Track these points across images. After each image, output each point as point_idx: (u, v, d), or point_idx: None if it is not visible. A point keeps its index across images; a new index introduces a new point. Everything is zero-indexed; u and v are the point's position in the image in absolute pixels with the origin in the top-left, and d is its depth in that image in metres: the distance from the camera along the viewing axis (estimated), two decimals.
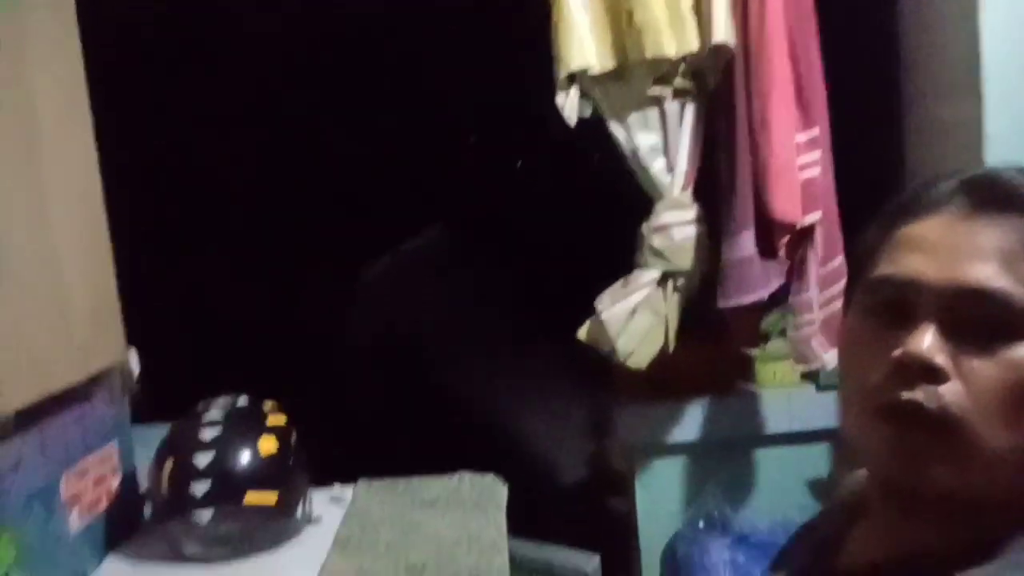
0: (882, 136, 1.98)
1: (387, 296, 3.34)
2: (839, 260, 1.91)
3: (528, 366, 2.91)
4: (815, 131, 1.82)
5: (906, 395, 0.64)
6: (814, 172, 1.82)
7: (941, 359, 0.64)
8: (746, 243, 1.82)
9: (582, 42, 1.80)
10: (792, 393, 2.33)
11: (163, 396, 1.74)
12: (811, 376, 2.31)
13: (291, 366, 2.73)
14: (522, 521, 1.76)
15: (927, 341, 0.64)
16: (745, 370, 2.38)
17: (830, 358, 1.92)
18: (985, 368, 0.63)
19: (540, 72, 1.85)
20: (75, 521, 1.47)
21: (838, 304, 1.92)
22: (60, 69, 1.52)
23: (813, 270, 1.86)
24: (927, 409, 0.63)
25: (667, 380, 2.24)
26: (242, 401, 1.59)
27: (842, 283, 1.90)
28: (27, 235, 1.38)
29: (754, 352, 2.38)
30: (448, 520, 1.66)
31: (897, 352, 0.65)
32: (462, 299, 3.22)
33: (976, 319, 0.64)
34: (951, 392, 0.63)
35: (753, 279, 1.83)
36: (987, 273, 0.64)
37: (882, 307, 0.69)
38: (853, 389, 0.69)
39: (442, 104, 3.26)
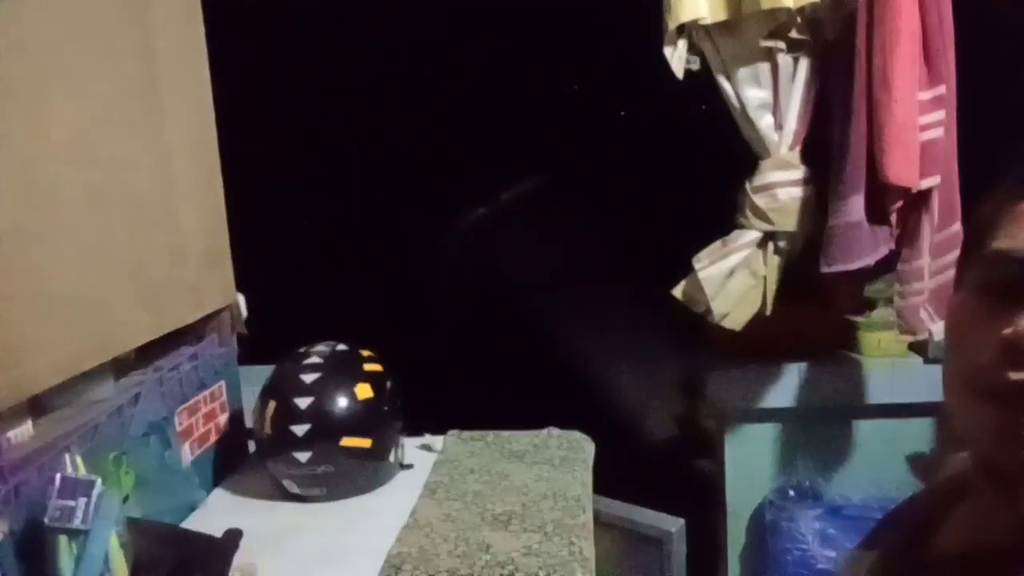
0: (1013, 96, 1.84)
1: (484, 245, 3.36)
2: (956, 227, 1.80)
3: (622, 321, 2.89)
4: (941, 89, 1.71)
5: (1015, 376, 0.61)
6: (936, 133, 1.71)
7: None
8: (855, 207, 1.73)
9: None
10: (896, 364, 2.24)
11: (268, 339, 1.81)
12: (919, 348, 2.21)
13: (389, 316, 2.80)
14: (608, 479, 1.76)
15: None
16: (847, 337, 2.30)
17: (938, 329, 1.83)
18: None
19: (649, 20, 1.80)
20: (187, 454, 1.55)
21: (951, 273, 1.82)
22: (179, 16, 1.56)
23: (927, 237, 1.77)
24: None
25: (763, 343, 2.18)
26: (341, 347, 1.63)
27: (957, 251, 1.82)
28: (149, 180, 1.44)
29: (858, 319, 2.29)
30: (535, 473, 1.67)
31: (1008, 331, 0.62)
32: (558, 250, 3.21)
33: None
34: None
35: (860, 245, 1.75)
36: None
37: (995, 283, 0.65)
38: (959, 367, 0.67)
39: (545, 52, 3.21)
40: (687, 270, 1.99)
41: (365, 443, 1.55)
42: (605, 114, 3.40)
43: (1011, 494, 0.65)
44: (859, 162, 1.72)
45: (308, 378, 1.55)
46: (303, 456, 1.51)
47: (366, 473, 1.59)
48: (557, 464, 1.71)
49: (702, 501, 2.36)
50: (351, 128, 3.25)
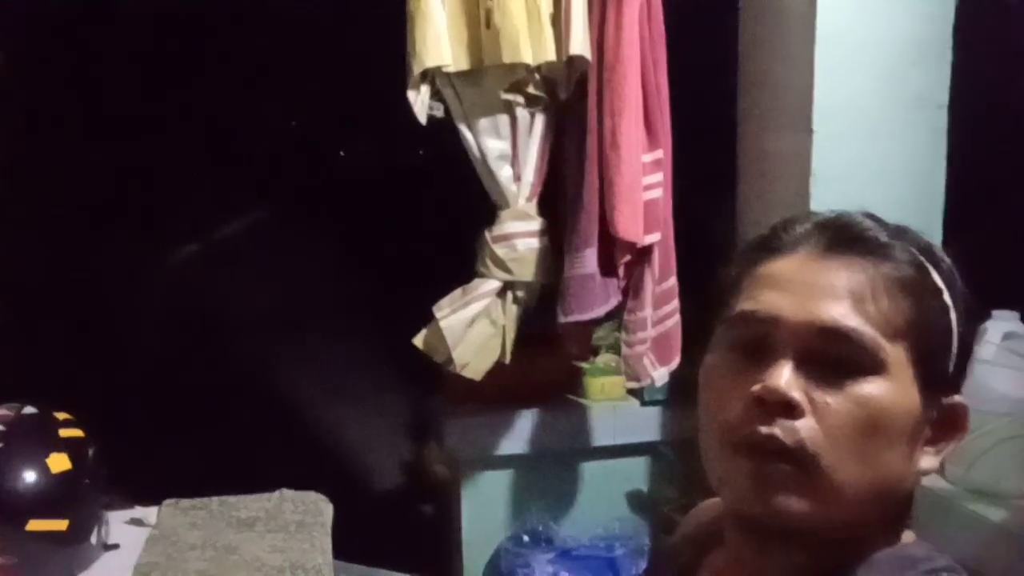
0: (717, 163, 2.05)
1: (199, 286, 3.09)
2: (672, 280, 1.95)
3: (352, 368, 2.79)
4: (659, 153, 1.85)
5: (764, 430, 0.66)
6: (656, 193, 1.85)
7: (797, 394, 0.65)
8: (589, 260, 1.82)
9: (438, 39, 1.72)
10: (617, 407, 2.37)
11: None
12: (636, 391, 2.36)
13: (89, 370, 2.45)
14: (344, 539, 1.65)
15: (784, 376, 0.66)
16: (574, 383, 2.40)
17: (660, 376, 1.96)
18: (837, 404, 0.66)
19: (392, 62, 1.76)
20: None
21: (669, 323, 1.97)
22: None
23: (649, 289, 1.89)
24: (784, 444, 0.65)
25: (496, 390, 2.20)
26: (29, 411, 1.37)
27: (674, 303, 1.97)
28: None
29: (583, 365, 2.40)
30: (268, 543, 1.52)
31: (756, 387, 0.66)
32: (282, 292, 3.04)
33: (829, 356, 0.66)
34: (807, 427, 0.65)
35: (594, 296, 1.83)
36: (840, 312, 0.67)
37: (741, 343, 0.70)
38: (713, 423, 0.70)
39: (271, 87, 3.06)
40: (423, 314, 1.96)
41: (60, 525, 1.31)
42: (336, 151, 3.31)
43: (763, 542, 0.70)
44: (592, 216, 1.80)
45: None
46: None
47: (60, 560, 1.33)
48: (293, 531, 1.57)
49: (440, 551, 2.31)
50: (36, 156, 2.84)
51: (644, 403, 2.37)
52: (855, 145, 1.74)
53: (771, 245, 0.73)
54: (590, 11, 1.78)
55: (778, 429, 0.65)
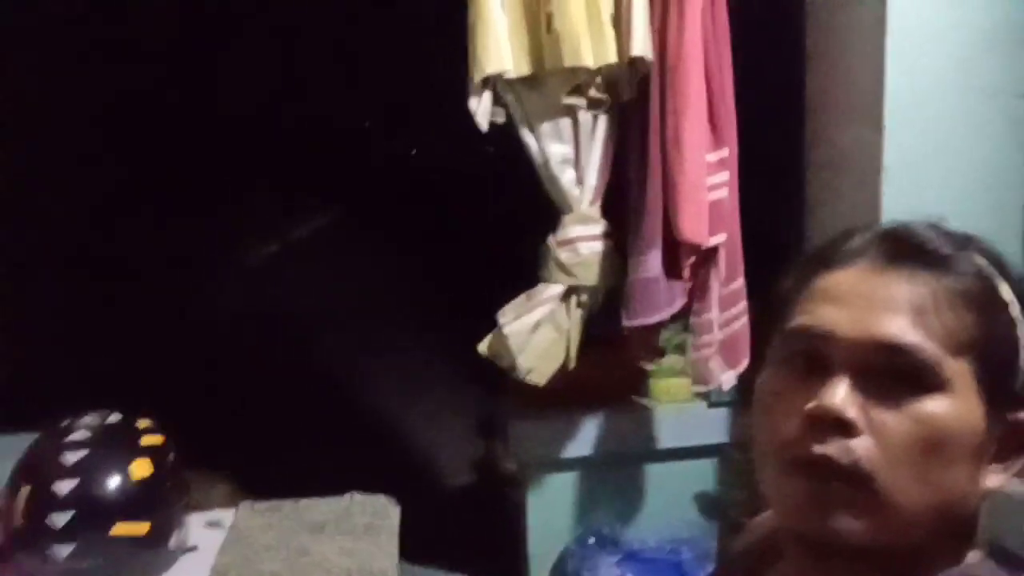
0: (784, 161, 2.00)
1: (271, 287, 3.16)
2: (739, 282, 1.92)
3: (420, 371, 2.82)
4: (724, 152, 1.82)
5: (818, 449, 0.64)
6: (722, 193, 1.82)
7: (853, 413, 0.64)
8: (653, 263, 1.80)
9: (499, 45, 1.72)
10: (683, 409, 2.35)
11: (24, 402, 1.56)
12: (703, 393, 2.33)
13: (166, 372, 2.53)
14: (411, 540, 1.68)
15: (840, 395, 0.64)
16: (640, 385, 2.38)
17: (727, 379, 1.93)
18: (896, 422, 0.64)
19: (455, 67, 1.78)
20: None
21: (737, 325, 1.94)
22: None
23: (715, 291, 1.87)
24: (839, 463, 0.64)
25: (562, 392, 2.20)
26: (113, 419, 1.43)
27: (742, 304, 1.94)
28: None
29: (649, 367, 2.38)
30: (337, 546, 1.55)
31: (811, 405, 0.65)
32: (354, 294, 3.08)
33: (888, 372, 0.65)
34: (863, 446, 0.64)
35: (659, 299, 1.81)
36: (899, 327, 0.65)
37: (797, 358, 0.69)
38: (767, 440, 0.69)
39: (341, 90, 3.11)
40: (490, 318, 1.97)
41: (142, 528, 1.36)
42: (410, 156, 3.35)
43: (822, 561, 0.68)
44: (655, 219, 1.79)
45: (71, 457, 1.34)
46: (63, 551, 1.29)
47: (142, 563, 1.39)
48: (361, 534, 1.60)
49: (506, 554, 2.33)
50: (106, 155, 2.93)
51: (711, 405, 2.33)
52: (928, 139, 1.69)
53: (829, 257, 0.72)
54: (651, 11, 1.76)
55: (832, 448, 0.64)
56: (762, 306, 1.94)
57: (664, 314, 1.84)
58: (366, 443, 2.61)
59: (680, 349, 2.32)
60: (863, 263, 0.69)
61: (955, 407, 0.64)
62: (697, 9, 1.72)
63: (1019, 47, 1.69)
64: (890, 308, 0.65)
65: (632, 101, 1.87)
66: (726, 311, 1.90)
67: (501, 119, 1.81)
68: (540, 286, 1.95)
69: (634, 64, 1.80)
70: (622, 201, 1.94)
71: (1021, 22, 1.69)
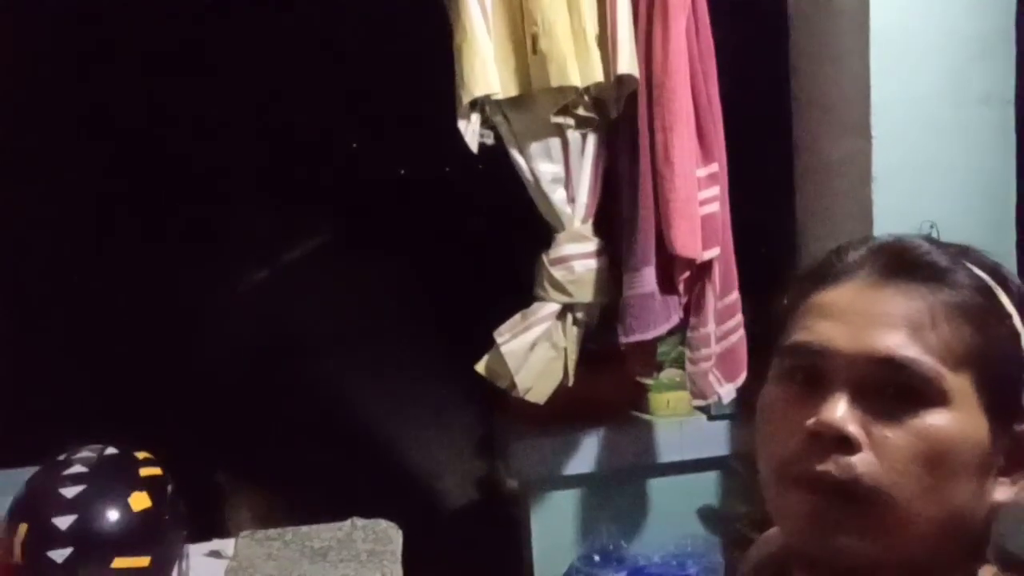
0: (773, 173, 2.01)
1: (267, 309, 3.16)
2: (734, 295, 1.93)
3: (419, 391, 2.82)
4: (714, 167, 1.83)
5: (820, 467, 0.64)
6: (713, 208, 1.83)
7: (853, 429, 0.64)
8: (648, 278, 1.80)
9: (486, 67, 1.74)
10: (684, 422, 2.34)
11: (22, 436, 1.56)
12: (703, 406, 2.33)
13: (164, 405, 2.53)
14: (415, 563, 1.67)
15: (840, 410, 0.64)
16: (639, 399, 2.38)
17: (726, 392, 1.94)
18: (896, 437, 0.64)
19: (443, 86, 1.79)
20: None
21: (734, 338, 1.94)
22: None
23: (711, 305, 1.87)
24: (840, 480, 0.64)
25: (562, 410, 2.20)
26: (110, 451, 1.42)
27: (738, 317, 1.94)
28: None
29: (648, 382, 2.38)
30: (341, 573, 1.55)
31: (811, 422, 0.65)
32: (348, 314, 3.08)
33: (887, 387, 0.65)
34: (864, 462, 0.64)
35: (655, 314, 1.82)
36: (896, 341, 0.65)
37: (796, 374, 0.69)
38: (769, 457, 0.69)
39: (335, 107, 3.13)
40: (487, 338, 1.98)
41: (142, 562, 1.36)
42: (403, 175, 3.37)
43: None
44: (649, 235, 1.79)
45: (70, 491, 1.33)
46: None
47: None
48: (364, 560, 1.60)
49: (511, 574, 2.32)
50: (94, 182, 2.93)
51: (711, 417, 2.33)
52: (916, 147, 1.70)
53: (825, 273, 0.71)
54: (636, 28, 1.78)
55: (832, 465, 0.63)
56: (757, 318, 1.95)
57: (660, 329, 1.84)
58: (366, 467, 2.61)
59: (678, 362, 2.31)
60: (859, 278, 0.69)
61: (957, 421, 0.64)
62: (682, 25, 1.73)
63: (1004, 54, 1.71)
64: (887, 323, 0.65)
65: (620, 119, 1.88)
66: (722, 324, 1.91)
67: (490, 140, 1.82)
68: (535, 304, 1.95)
69: (621, 82, 1.81)
70: (614, 218, 1.95)
71: (1005, 29, 1.70)
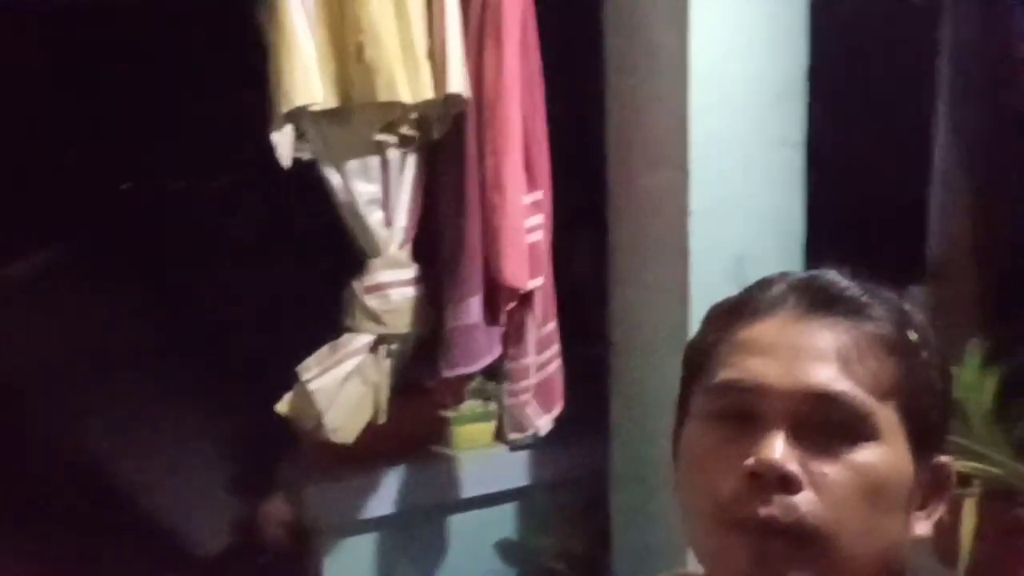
0: (587, 203, 2.02)
1: None
2: (553, 324, 1.90)
3: (180, 432, 2.48)
4: (539, 194, 1.80)
5: (763, 511, 0.63)
6: (538, 236, 1.79)
7: (793, 467, 0.63)
8: (474, 308, 1.72)
9: (308, 74, 1.56)
10: (485, 455, 2.28)
11: None
12: (504, 436, 2.29)
13: None
14: None
15: (778, 450, 0.63)
16: (440, 433, 2.28)
17: (544, 424, 1.90)
18: (834, 473, 0.63)
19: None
20: None
21: (551, 368, 1.91)
22: None
23: (532, 335, 1.82)
24: (784, 523, 0.63)
25: (358, 449, 2.03)
26: None
27: (555, 347, 1.91)
28: None
29: (450, 414, 2.28)
30: None
31: (749, 462, 0.64)
32: (82, 347, 2.65)
33: (822, 422, 0.64)
34: (806, 502, 0.63)
35: (480, 346, 1.74)
36: (828, 375, 0.64)
37: (727, 413, 0.67)
38: (702, 500, 0.67)
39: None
40: (280, 371, 1.78)
41: None
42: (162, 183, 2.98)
43: None
44: (475, 263, 1.71)
45: None
46: None
47: None
48: None
49: None
50: None
51: (513, 447, 2.29)
52: (728, 184, 1.78)
53: (746, 308, 0.70)
54: (466, 47, 1.69)
55: (776, 509, 0.62)
56: (567, 346, 1.94)
57: (485, 361, 1.76)
58: (125, 530, 2.23)
59: (479, 393, 2.25)
60: (783, 312, 0.68)
61: (888, 455, 0.64)
62: (515, 45, 1.68)
63: (798, 98, 1.84)
64: (818, 357, 0.65)
65: (444, 139, 1.78)
66: (541, 354, 1.87)
67: (308, 155, 1.64)
68: (346, 336, 1.79)
69: (448, 101, 1.71)
70: (433, 244, 1.84)
71: (800, 75, 1.83)
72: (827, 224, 1.88)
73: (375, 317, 1.76)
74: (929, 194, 1.95)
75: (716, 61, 1.73)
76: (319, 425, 1.75)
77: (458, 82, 1.66)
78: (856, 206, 1.94)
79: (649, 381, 1.87)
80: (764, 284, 0.72)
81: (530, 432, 1.90)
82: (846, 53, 1.84)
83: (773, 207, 1.85)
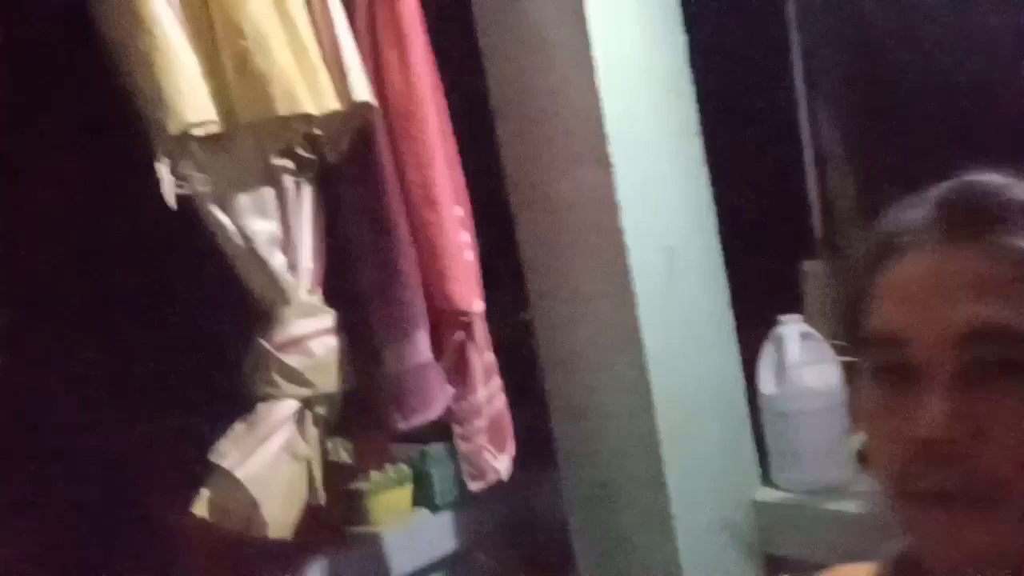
0: (495, 216, 1.84)
1: None
2: (491, 353, 1.69)
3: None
4: (460, 209, 1.60)
5: (937, 482, 0.60)
6: (471, 254, 1.59)
7: (957, 429, 0.59)
8: (423, 344, 1.48)
9: (195, 86, 1.26)
10: (409, 524, 2.00)
11: None
12: (423, 499, 2.03)
13: None
14: None
15: (938, 416, 0.59)
16: (353, 510, 1.96)
17: (504, 466, 1.67)
18: (1007, 414, 0.59)
19: None
20: None
21: (498, 403, 1.70)
22: None
23: (477, 367, 1.61)
24: (963, 490, 0.60)
25: (256, 548, 1.68)
26: None
27: (496, 379, 1.71)
28: None
29: (359, 487, 1.97)
30: None
31: (915, 433, 0.60)
32: None
33: (984, 361, 0.60)
34: (983, 462, 0.59)
35: (435, 387, 1.49)
36: (983, 310, 0.59)
37: (882, 370, 0.64)
38: (882, 471, 0.65)
39: None
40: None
41: None
42: None
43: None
44: (417, 292, 1.47)
45: None
46: None
47: None
48: None
49: None
50: None
51: (436, 509, 2.03)
52: (648, 174, 1.71)
53: (887, 245, 0.65)
54: (362, 55, 1.47)
55: (947, 481, 0.59)
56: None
57: (442, 405, 1.52)
58: None
59: None
60: (927, 245, 0.62)
61: None
62: (420, 49, 1.49)
63: (687, 88, 1.81)
64: (968, 292, 0.60)
65: (342, 160, 1.53)
66: (486, 387, 1.66)
67: (202, 187, 1.32)
68: (261, 407, 1.46)
69: (345, 116, 1.48)
70: (345, 283, 1.57)
71: (684, 64, 1.81)
72: (733, 211, 1.87)
73: (298, 378, 1.46)
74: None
75: (617, 50, 1.66)
76: (251, 522, 1.40)
77: (363, 90, 1.43)
78: (750, 188, 1.95)
79: (596, 398, 1.72)
80: (904, 209, 0.66)
81: (492, 479, 1.66)
82: (713, 37, 1.84)
83: (686, 197, 1.81)
